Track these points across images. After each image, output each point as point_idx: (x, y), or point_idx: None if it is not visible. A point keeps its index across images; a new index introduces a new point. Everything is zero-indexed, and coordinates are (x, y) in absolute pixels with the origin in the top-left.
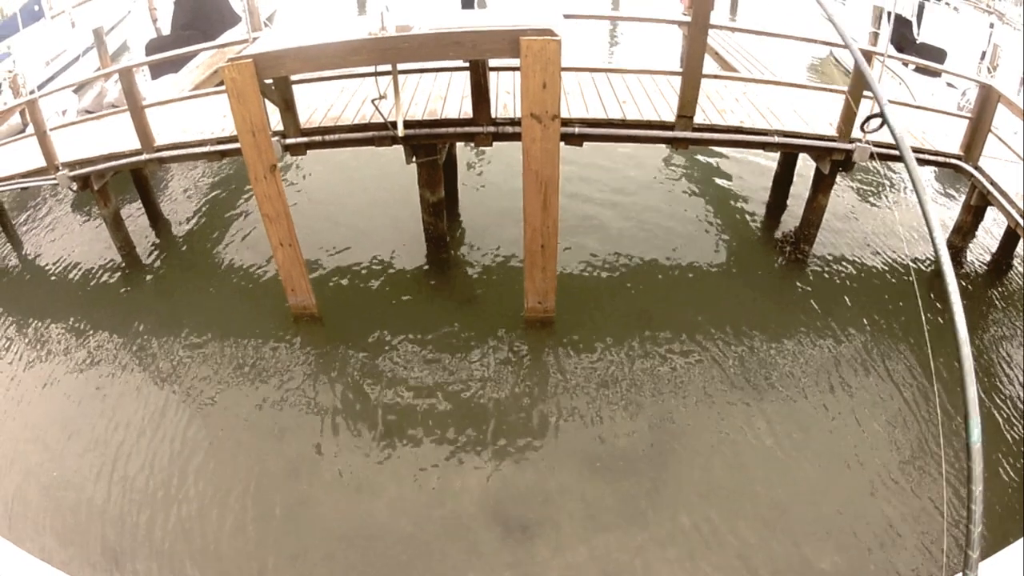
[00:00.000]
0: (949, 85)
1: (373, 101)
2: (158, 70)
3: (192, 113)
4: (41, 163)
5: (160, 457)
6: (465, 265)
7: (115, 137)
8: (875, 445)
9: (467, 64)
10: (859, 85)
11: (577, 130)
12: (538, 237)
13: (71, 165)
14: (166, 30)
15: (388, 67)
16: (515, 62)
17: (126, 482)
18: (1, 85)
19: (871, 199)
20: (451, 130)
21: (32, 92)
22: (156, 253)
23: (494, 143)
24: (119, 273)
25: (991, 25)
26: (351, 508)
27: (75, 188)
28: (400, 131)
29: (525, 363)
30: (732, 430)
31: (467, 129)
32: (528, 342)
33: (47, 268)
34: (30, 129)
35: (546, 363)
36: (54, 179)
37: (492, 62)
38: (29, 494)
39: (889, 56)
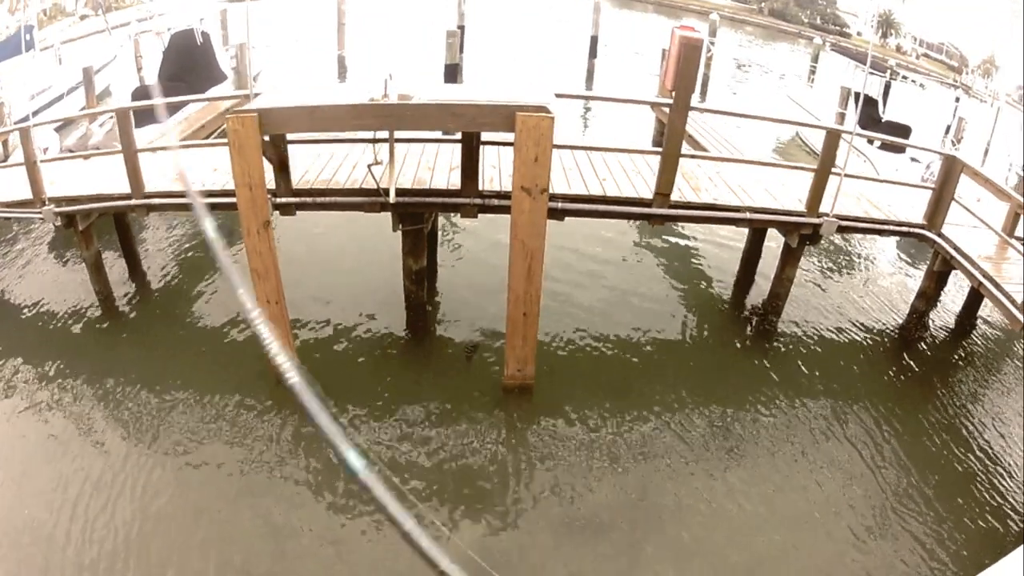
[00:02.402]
0: (913, 160)
1: (369, 166)
2: (142, 118)
3: (181, 163)
4: (26, 195)
5: (119, 512)
6: (443, 333)
7: (102, 179)
8: (839, 506)
9: (458, 136)
10: (827, 161)
11: (560, 205)
12: (521, 305)
13: (57, 201)
14: (149, 79)
15: (385, 133)
16: (501, 136)
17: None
18: None
19: (835, 271)
20: (440, 200)
21: (27, 118)
22: (134, 301)
23: (479, 215)
24: (95, 318)
25: (957, 99)
26: (326, 566)
27: (59, 224)
28: (392, 198)
29: (503, 429)
30: (704, 496)
31: (455, 200)
32: (506, 409)
33: (18, 306)
34: (12, 159)
35: (524, 429)
36: (39, 213)
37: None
38: None
39: (856, 134)
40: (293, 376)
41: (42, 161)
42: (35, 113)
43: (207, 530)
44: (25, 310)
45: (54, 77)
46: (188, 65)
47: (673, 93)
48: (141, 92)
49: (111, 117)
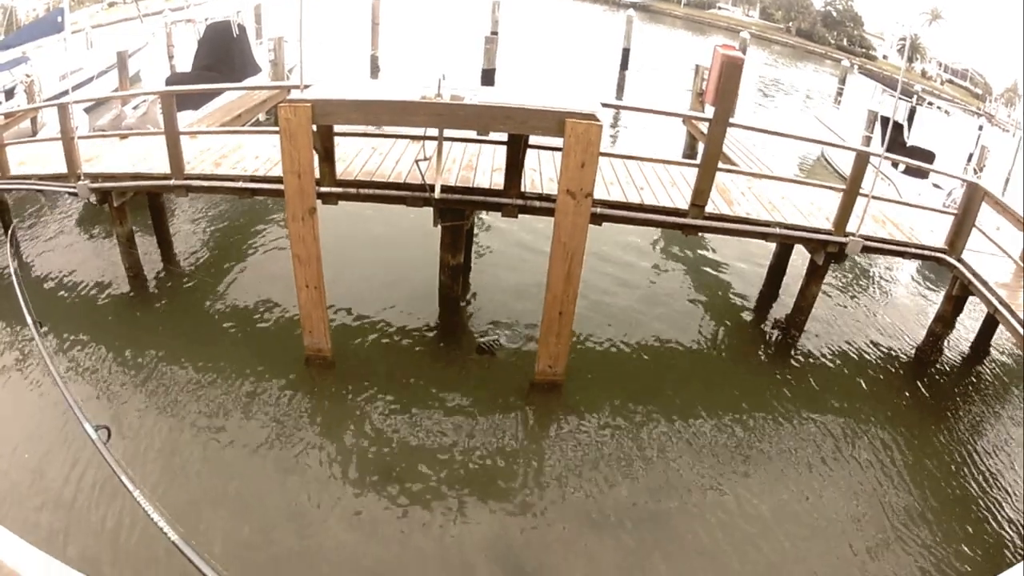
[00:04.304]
0: (935, 186)
1: (417, 161)
2: (177, 104)
3: (219, 148)
4: (61, 169)
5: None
6: (475, 327)
7: (138, 159)
8: (845, 521)
9: (497, 138)
10: (855, 183)
11: (599, 210)
12: (557, 304)
13: (93, 177)
14: (180, 67)
15: (433, 131)
16: (542, 140)
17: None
18: (15, 89)
19: (856, 290)
20: (482, 198)
21: (65, 93)
22: (163, 280)
23: (519, 215)
24: (124, 294)
25: (980, 128)
26: (354, 548)
27: (93, 200)
28: (437, 193)
29: (530, 423)
30: (716, 502)
31: (498, 199)
32: (534, 404)
33: (44, 280)
34: (45, 133)
35: (552, 424)
36: (74, 188)
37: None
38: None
39: (884, 157)
40: None
41: (79, 138)
42: (64, 94)
43: (231, 504)
44: (51, 283)
45: (84, 60)
46: (223, 56)
47: (713, 108)
48: (174, 79)
49: (144, 100)
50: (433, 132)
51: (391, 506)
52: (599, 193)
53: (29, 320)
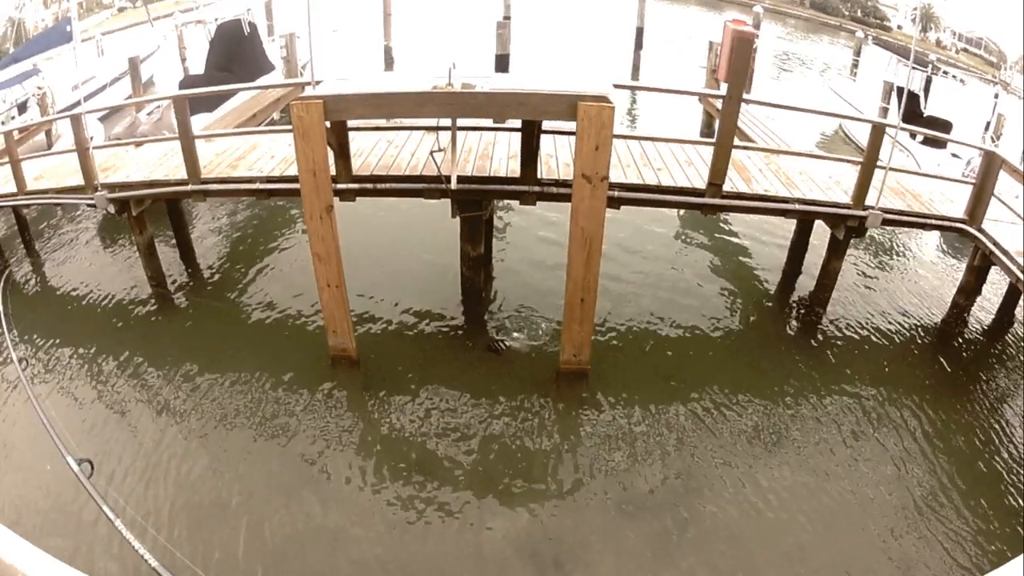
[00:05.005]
0: (954, 156)
1: (431, 153)
2: (192, 107)
3: (235, 150)
4: (77, 181)
5: (174, 494)
6: (498, 319)
7: (154, 166)
8: (868, 502)
9: (512, 125)
10: (873, 155)
11: (616, 193)
12: (578, 291)
13: (110, 187)
14: (194, 70)
15: (446, 121)
16: (557, 125)
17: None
18: (28, 102)
19: (878, 264)
20: (499, 187)
21: (78, 104)
22: (187, 286)
23: (536, 203)
24: (147, 302)
25: (996, 96)
26: (384, 539)
27: (112, 210)
28: (453, 184)
29: (558, 411)
30: (742, 487)
31: (515, 187)
32: (561, 393)
33: (65, 289)
34: (60, 145)
35: (579, 413)
36: (91, 199)
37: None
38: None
39: (900, 128)
40: None
41: (93, 148)
42: (76, 104)
43: (254, 513)
44: (73, 293)
45: (96, 68)
46: (235, 55)
47: (727, 85)
48: (187, 82)
49: (159, 106)
50: (447, 122)
51: (419, 501)
52: (616, 176)
53: (14, 357)
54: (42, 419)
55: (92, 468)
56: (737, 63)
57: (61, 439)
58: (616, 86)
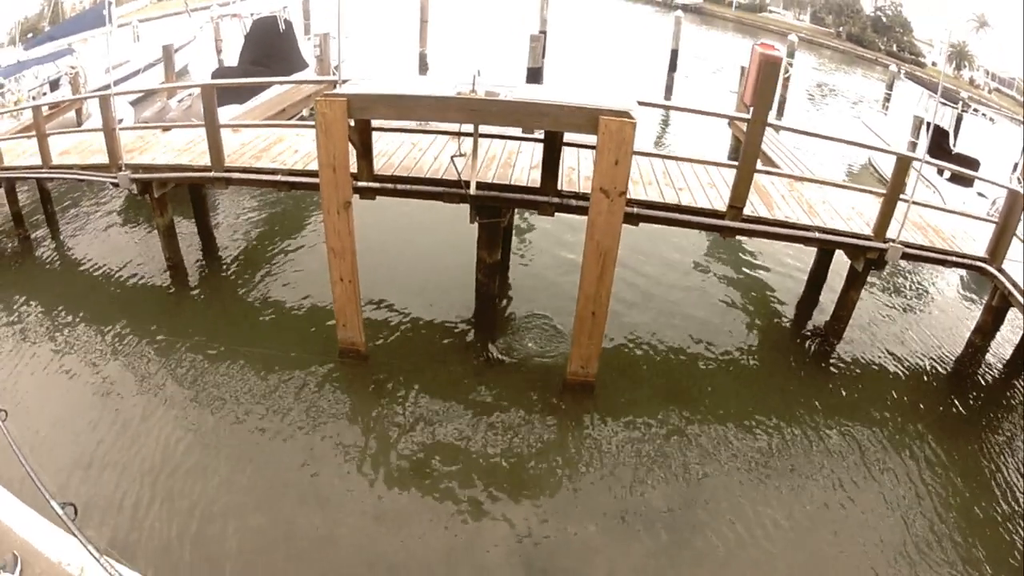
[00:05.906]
0: (980, 195)
1: (452, 157)
2: (223, 97)
3: (260, 142)
4: (102, 160)
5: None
6: (510, 326)
7: (180, 151)
8: (867, 537)
9: (538, 136)
10: (896, 187)
11: (636, 210)
12: (590, 304)
13: (134, 168)
14: (228, 62)
15: (470, 127)
16: (582, 139)
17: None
18: (60, 80)
19: (897, 298)
20: (519, 196)
21: (108, 87)
22: (203, 270)
23: (555, 214)
24: (162, 284)
25: None
26: (375, 540)
27: (134, 191)
28: (473, 190)
29: (561, 422)
30: (742, 509)
31: (534, 197)
32: (566, 404)
33: (85, 267)
34: (88, 124)
35: (582, 424)
36: (115, 177)
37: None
38: None
39: (925, 162)
40: None
41: (120, 129)
42: (108, 87)
43: (258, 494)
44: (93, 271)
45: (131, 53)
46: (269, 51)
47: (751, 108)
48: (221, 74)
49: (189, 94)
50: (470, 128)
51: (416, 501)
52: (636, 192)
53: None
54: (26, 467)
55: (76, 511)
56: (763, 86)
57: (44, 487)
58: (641, 103)
